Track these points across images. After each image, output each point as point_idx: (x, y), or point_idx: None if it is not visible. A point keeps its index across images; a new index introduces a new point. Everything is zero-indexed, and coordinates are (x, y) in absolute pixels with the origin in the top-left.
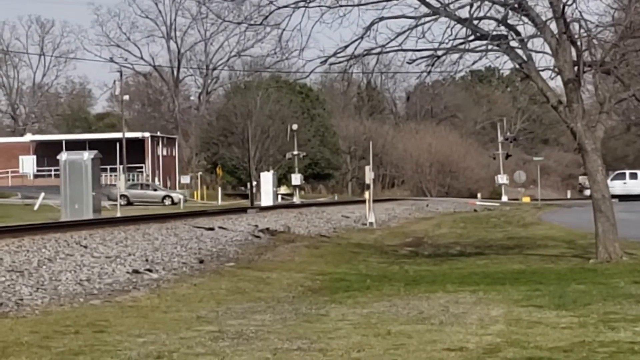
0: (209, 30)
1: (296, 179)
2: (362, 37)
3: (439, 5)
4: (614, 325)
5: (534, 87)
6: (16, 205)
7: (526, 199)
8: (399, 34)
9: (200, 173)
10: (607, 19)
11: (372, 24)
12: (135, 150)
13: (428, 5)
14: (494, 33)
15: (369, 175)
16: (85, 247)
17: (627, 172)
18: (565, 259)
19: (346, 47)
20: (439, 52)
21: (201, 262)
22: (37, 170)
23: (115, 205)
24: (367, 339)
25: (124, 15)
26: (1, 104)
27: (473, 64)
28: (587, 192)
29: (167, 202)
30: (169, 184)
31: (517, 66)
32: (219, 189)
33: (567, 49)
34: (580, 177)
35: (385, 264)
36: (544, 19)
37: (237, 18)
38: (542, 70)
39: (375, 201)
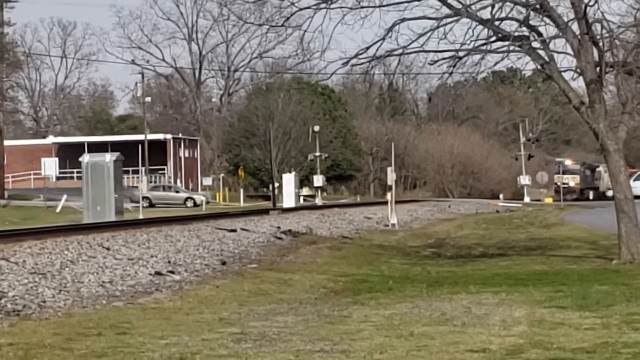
0: (230, 32)
1: (318, 180)
2: (383, 39)
3: (460, 6)
4: (637, 326)
5: (556, 87)
6: (39, 207)
7: (548, 200)
8: (420, 35)
9: (222, 175)
10: (629, 20)
11: (393, 25)
12: (157, 152)
13: (449, 6)
14: (516, 34)
15: (391, 176)
16: (108, 249)
17: None
18: (588, 260)
19: (368, 48)
20: (461, 53)
21: (223, 263)
22: (60, 173)
23: (138, 207)
24: (389, 340)
25: (146, 17)
26: (23, 107)
27: (495, 64)
28: (610, 193)
29: (189, 204)
30: (191, 185)
31: (539, 67)
32: (241, 190)
33: (589, 50)
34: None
35: (407, 265)
36: (565, 19)
37: (258, 20)
38: (564, 71)
39: (397, 202)
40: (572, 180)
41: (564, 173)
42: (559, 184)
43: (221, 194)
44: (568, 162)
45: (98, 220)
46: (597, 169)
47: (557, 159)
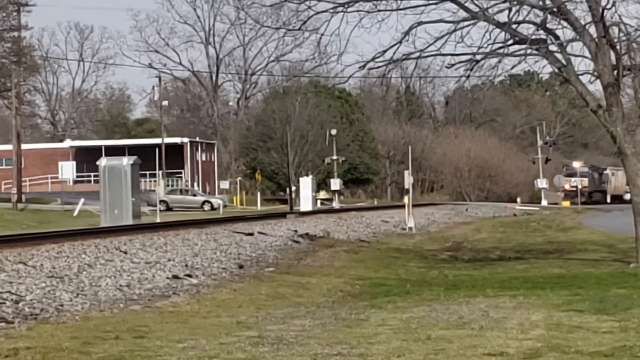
0: (247, 35)
1: (335, 184)
2: (400, 42)
3: (477, 9)
4: None
5: (573, 91)
6: (56, 211)
7: (566, 203)
8: (437, 39)
9: (239, 178)
10: None
11: (410, 28)
12: (174, 156)
13: (467, 9)
14: (533, 37)
15: (408, 179)
16: (125, 252)
17: None
18: (605, 263)
19: (385, 51)
20: (478, 57)
21: (241, 267)
22: (77, 176)
23: (155, 210)
24: (407, 344)
25: (163, 20)
26: (41, 110)
27: (512, 68)
28: (628, 197)
29: (207, 207)
30: (208, 189)
31: (557, 70)
32: (258, 194)
33: (606, 53)
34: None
35: (424, 268)
36: (583, 22)
37: (275, 23)
38: (582, 74)
39: (414, 206)
40: (581, 183)
41: (571, 176)
42: (567, 187)
43: (238, 197)
44: (576, 165)
45: (115, 224)
46: (605, 172)
47: (574, 163)
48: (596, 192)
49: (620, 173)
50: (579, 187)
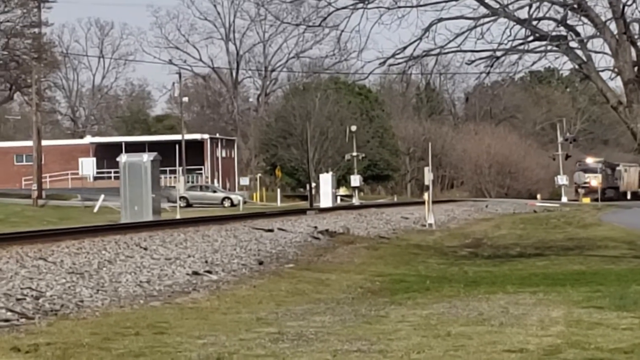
0: (267, 31)
1: (355, 180)
2: (420, 38)
3: (497, 6)
4: None
5: (593, 87)
6: (76, 207)
7: (586, 200)
8: (457, 35)
9: (259, 175)
10: None
11: (430, 25)
12: (194, 152)
13: (487, 6)
14: (554, 34)
15: (428, 176)
16: (145, 248)
17: None
18: (625, 260)
19: (405, 48)
20: (498, 53)
21: (260, 263)
22: (97, 172)
23: (175, 207)
24: (427, 340)
25: (183, 17)
26: (61, 107)
27: (532, 64)
28: None
29: (227, 203)
30: (228, 185)
31: (577, 67)
32: (278, 190)
33: (627, 50)
34: None
35: (444, 265)
36: (603, 19)
37: (295, 19)
38: (602, 71)
39: (434, 202)
40: (594, 180)
41: (584, 172)
42: (579, 183)
43: (258, 193)
44: (589, 161)
45: (135, 220)
46: (617, 168)
47: (595, 159)
48: (609, 188)
49: (632, 169)
50: (592, 183)
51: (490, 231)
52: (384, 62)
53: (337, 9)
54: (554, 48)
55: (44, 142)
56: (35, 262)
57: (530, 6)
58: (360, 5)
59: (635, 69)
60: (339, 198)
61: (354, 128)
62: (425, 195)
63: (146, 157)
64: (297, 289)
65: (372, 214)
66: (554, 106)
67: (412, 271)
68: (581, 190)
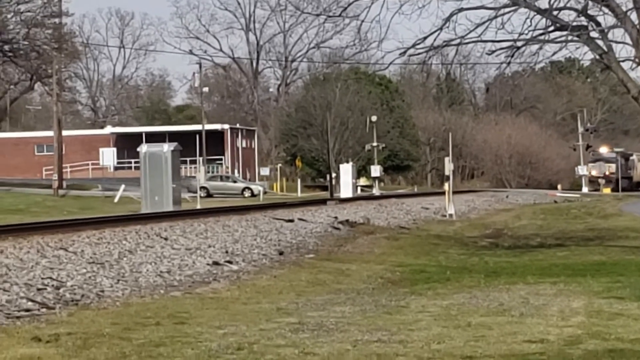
0: (287, 22)
1: (375, 170)
2: (441, 28)
3: None
4: None
5: (614, 77)
6: (97, 197)
7: (606, 190)
8: (478, 25)
9: (279, 165)
10: None
11: (451, 15)
12: (214, 142)
13: None
14: (574, 24)
15: (449, 166)
16: (166, 239)
17: None
18: None
19: (425, 38)
20: (519, 43)
21: (281, 253)
22: (117, 163)
23: (195, 197)
24: (447, 330)
25: (203, 7)
26: (81, 97)
27: (553, 54)
28: None
29: (247, 194)
30: (248, 175)
31: (598, 57)
32: (299, 180)
33: None
34: None
35: (465, 255)
36: (624, 9)
37: (316, 10)
38: (623, 61)
39: (454, 193)
40: (608, 170)
41: (597, 161)
42: (593, 173)
43: (278, 184)
44: (603, 150)
45: (156, 210)
46: (631, 158)
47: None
48: (623, 178)
49: None
50: (606, 173)
51: (510, 221)
52: (404, 52)
53: None
54: (575, 38)
55: (65, 132)
56: (56, 252)
57: None
58: None
59: None
60: (359, 188)
61: (374, 118)
62: (446, 186)
63: (166, 147)
64: (317, 279)
65: (393, 204)
66: (575, 96)
67: (433, 261)
68: (602, 181)
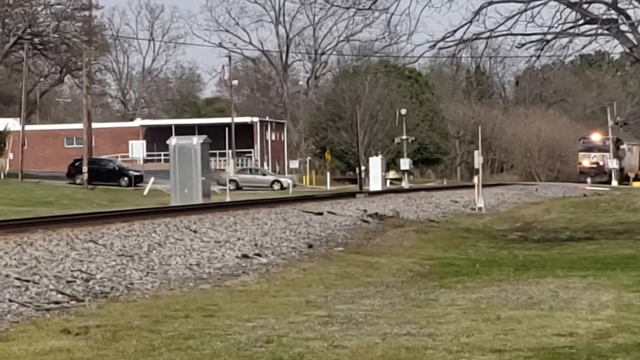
0: (317, 15)
1: (405, 163)
2: (470, 22)
3: None
4: None
5: None
6: (126, 190)
7: (636, 184)
8: (508, 18)
9: (308, 158)
10: None
11: (481, 8)
12: (244, 135)
13: None
14: (604, 17)
15: (478, 160)
16: (195, 231)
17: None
18: None
19: (455, 31)
20: (549, 37)
21: (310, 246)
22: (147, 155)
23: (225, 189)
24: (476, 324)
25: (233, 0)
26: (111, 89)
27: (583, 48)
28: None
29: (276, 186)
30: (277, 168)
31: (628, 50)
32: (328, 173)
33: None
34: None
35: (494, 248)
36: None
37: (345, 2)
38: None
39: (484, 186)
40: (602, 159)
41: (589, 151)
42: (585, 163)
43: (308, 177)
44: (595, 138)
45: (185, 203)
46: (622, 147)
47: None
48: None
49: (635, 148)
50: (600, 163)
51: (540, 215)
52: (434, 46)
53: None
54: (605, 31)
55: (94, 125)
56: (86, 244)
57: None
58: None
59: None
60: (388, 181)
61: (403, 111)
62: (475, 179)
63: (196, 140)
64: (346, 272)
65: (422, 198)
66: (605, 90)
67: (462, 255)
68: (631, 174)
